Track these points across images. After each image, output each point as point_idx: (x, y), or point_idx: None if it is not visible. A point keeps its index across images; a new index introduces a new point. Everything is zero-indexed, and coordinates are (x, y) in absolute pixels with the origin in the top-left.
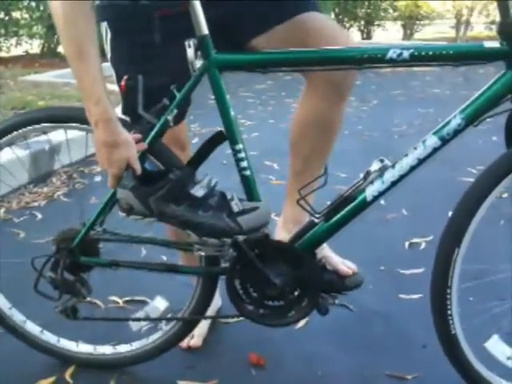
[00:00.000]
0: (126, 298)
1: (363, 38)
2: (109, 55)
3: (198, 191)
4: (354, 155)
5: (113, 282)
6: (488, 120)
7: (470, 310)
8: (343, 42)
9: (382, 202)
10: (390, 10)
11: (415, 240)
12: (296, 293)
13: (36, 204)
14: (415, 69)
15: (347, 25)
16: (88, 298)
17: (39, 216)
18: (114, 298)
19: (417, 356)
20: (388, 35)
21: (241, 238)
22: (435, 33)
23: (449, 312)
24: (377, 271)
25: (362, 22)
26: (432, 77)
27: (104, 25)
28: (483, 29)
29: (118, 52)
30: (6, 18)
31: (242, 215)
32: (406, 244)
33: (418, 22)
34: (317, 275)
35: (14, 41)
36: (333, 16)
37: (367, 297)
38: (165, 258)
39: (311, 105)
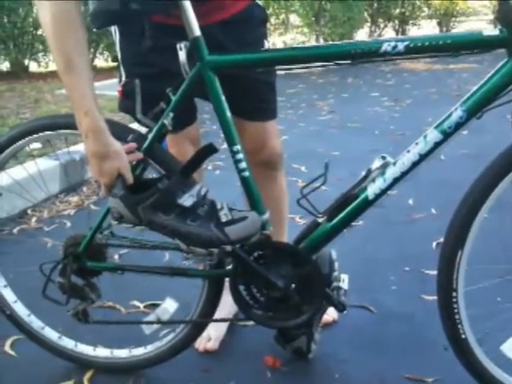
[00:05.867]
0: (147, 303)
1: None
2: (119, 56)
3: (187, 200)
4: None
5: (134, 286)
6: None
7: (491, 310)
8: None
9: (410, 201)
10: (425, 8)
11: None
12: (301, 294)
13: (66, 213)
14: (451, 66)
15: (381, 25)
16: (110, 303)
17: (68, 224)
18: (135, 302)
19: (438, 358)
20: (424, 33)
21: (229, 247)
22: (473, 29)
23: (457, 316)
24: (401, 272)
25: (397, 22)
26: (469, 73)
27: (113, 27)
28: None
29: (124, 54)
30: (44, 33)
31: (229, 225)
32: (434, 244)
33: (453, 18)
34: (321, 275)
35: (52, 56)
36: (366, 17)
37: (389, 297)
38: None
39: None
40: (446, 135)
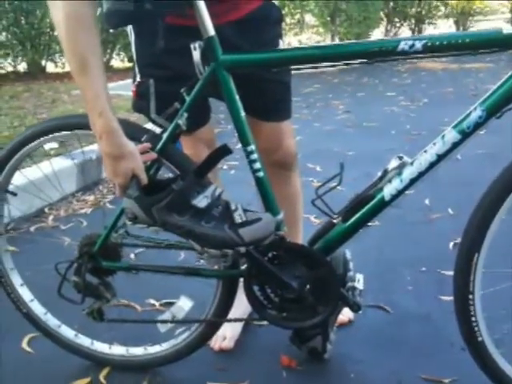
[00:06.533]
0: (163, 301)
1: None
2: (134, 57)
3: (201, 201)
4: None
5: (150, 284)
6: None
7: (509, 312)
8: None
9: (427, 202)
10: (441, 7)
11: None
12: (316, 294)
13: (83, 211)
14: (468, 65)
15: (397, 25)
16: (125, 301)
17: (85, 223)
18: (151, 300)
19: (455, 359)
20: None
21: (243, 248)
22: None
23: (473, 318)
24: (418, 272)
25: (413, 21)
26: (485, 73)
27: (129, 27)
28: None
29: (138, 55)
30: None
31: (243, 227)
32: (451, 244)
33: (470, 17)
34: (336, 275)
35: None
36: (382, 16)
37: (406, 298)
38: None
39: None
40: (465, 135)
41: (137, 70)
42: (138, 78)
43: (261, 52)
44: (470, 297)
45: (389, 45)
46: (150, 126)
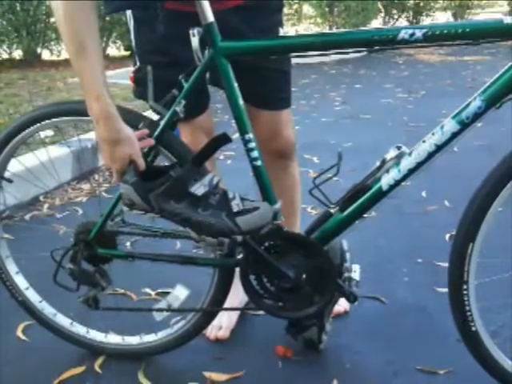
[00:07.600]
0: (159, 290)
1: None
2: (133, 43)
3: (199, 189)
4: None
5: (146, 273)
6: None
7: (505, 303)
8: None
9: (423, 193)
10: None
11: None
12: (312, 284)
13: (78, 200)
14: (466, 58)
15: (395, 16)
16: (121, 290)
17: (80, 211)
18: (146, 289)
19: (450, 350)
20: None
21: (240, 237)
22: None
23: (467, 308)
24: (413, 263)
25: (411, 13)
26: (483, 66)
27: (129, 13)
28: None
29: (137, 41)
30: (55, 19)
31: (241, 215)
32: (447, 236)
33: (468, 10)
34: (333, 265)
35: (63, 42)
36: (380, 7)
37: (402, 289)
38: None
39: None
40: (464, 125)
41: (136, 56)
42: (138, 64)
43: (260, 39)
44: (465, 286)
45: (389, 33)
46: (148, 114)
